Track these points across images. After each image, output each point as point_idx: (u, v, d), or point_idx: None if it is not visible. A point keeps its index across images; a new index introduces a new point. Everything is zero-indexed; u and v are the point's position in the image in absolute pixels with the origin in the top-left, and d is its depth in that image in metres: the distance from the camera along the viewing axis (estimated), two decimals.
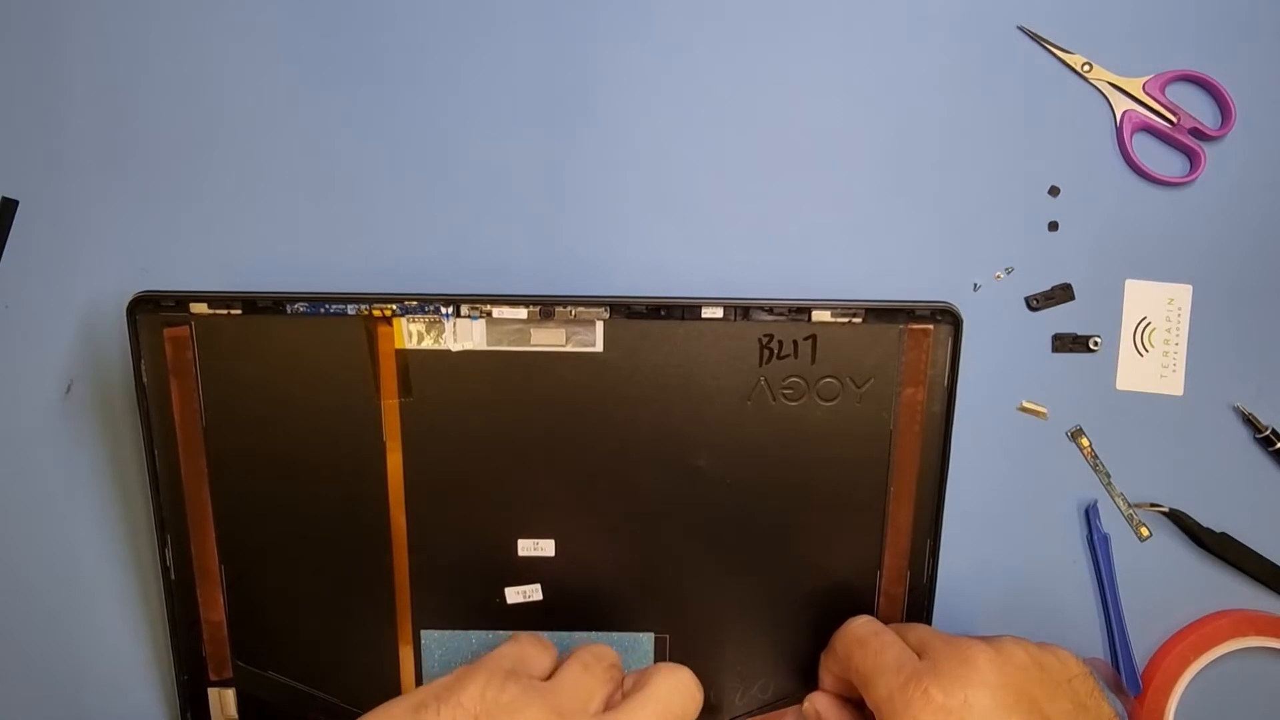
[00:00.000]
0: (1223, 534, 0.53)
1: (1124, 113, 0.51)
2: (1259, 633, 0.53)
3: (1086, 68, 0.51)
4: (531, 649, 0.46)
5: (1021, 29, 0.51)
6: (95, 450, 0.53)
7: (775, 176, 0.52)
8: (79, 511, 0.53)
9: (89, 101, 0.51)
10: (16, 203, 0.51)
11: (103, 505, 0.53)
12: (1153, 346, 0.52)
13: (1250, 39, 0.51)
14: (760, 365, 0.48)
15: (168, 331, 0.48)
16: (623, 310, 0.48)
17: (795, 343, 0.48)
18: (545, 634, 0.48)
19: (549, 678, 0.44)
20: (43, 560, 0.53)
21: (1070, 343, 0.52)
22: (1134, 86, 0.51)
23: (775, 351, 0.48)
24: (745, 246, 0.52)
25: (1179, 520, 0.53)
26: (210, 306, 0.47)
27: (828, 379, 0.48)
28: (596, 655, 0.46)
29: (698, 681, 0.45)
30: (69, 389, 0.52)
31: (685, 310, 0.48)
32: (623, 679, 0.46)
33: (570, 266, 0.51)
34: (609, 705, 0.44)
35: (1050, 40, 0.51)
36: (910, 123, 0.51)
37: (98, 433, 0.53)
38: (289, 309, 0.48)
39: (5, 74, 0.51)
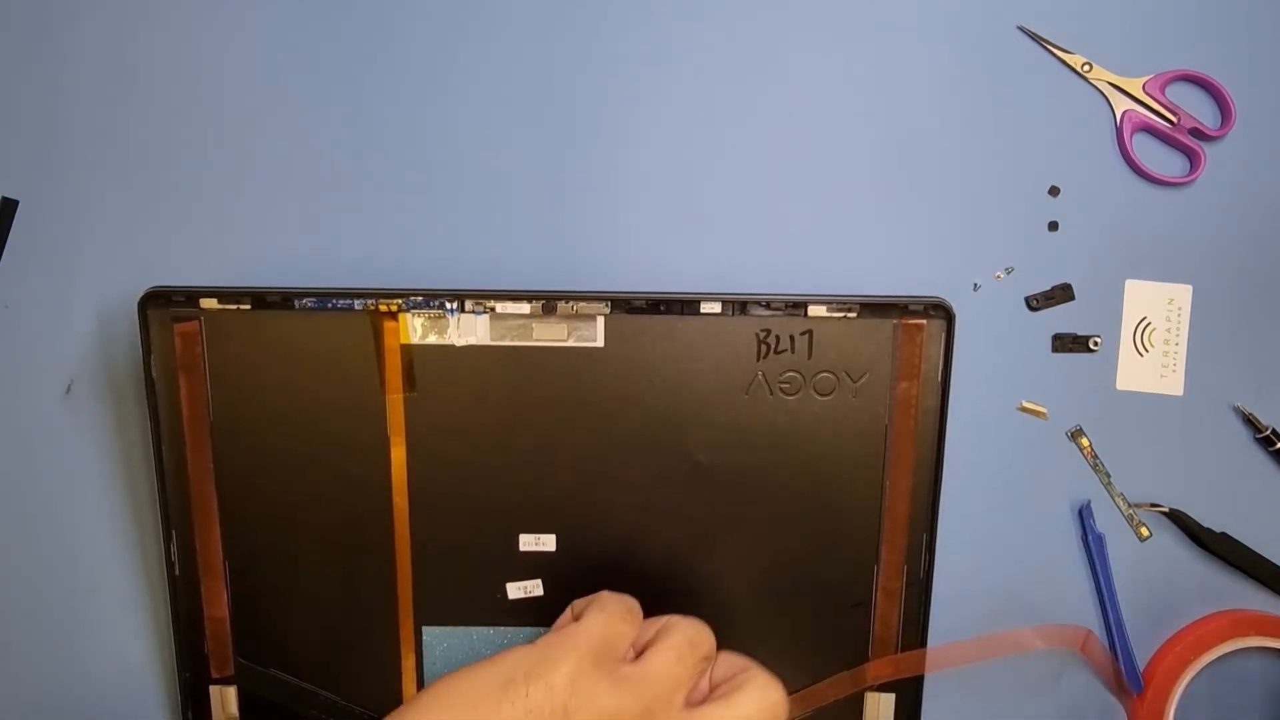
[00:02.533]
0: (1223, 534, 0.53)
1: (1124, 113, 0.51)
2: (1259, 633, 0.52)
3: (1086, 68, 0.51)
4: (621, 626, 0.43)
5: (1021, 29, 0.51)
6: (98, 448, 0.53)
7: (775, 176, 0.52)
8: (82, 509, 0.54)
9: (90, 101, 0.52)
10: (17, 203, 0.52)
11: (106, 502, 0.53)
12: (1153, 346, 0.52)
13: (1250, 39, 0.51)
14: (758, 360, 0.49)
15: (178, 327, 0.48)
16: (623, 306, 0.48)
17: (792, 338, 0.48)
18: None
19: (639, 653, 0.43)
20: (45, 557, 0.54)
21: (1070, 343, 0.52)
22: (1134, 86, 0.51)
23: (773, 346, 0.48)
24: (744, 246, 0.52)
25: (1179, 520, 0.53)
26: (220, 302, 0.48)
27: (824, 373, 0.49)
28: (692, 644, 0.43)
29: (788, 703, 0.43)
30: (69, 388, 0.53)
31: (684, 305, 0.48)
32: (711, 665, 0.44)
33: (572, 263, 0.52)
34: (690, 699, 0.43)
35: (1050, 40, 0.51)
36: (910, 122, 0.52)
37: (100, 431, 0.53)
38: (297, 304, 0.48)
39: (6, 74, 0.52)
